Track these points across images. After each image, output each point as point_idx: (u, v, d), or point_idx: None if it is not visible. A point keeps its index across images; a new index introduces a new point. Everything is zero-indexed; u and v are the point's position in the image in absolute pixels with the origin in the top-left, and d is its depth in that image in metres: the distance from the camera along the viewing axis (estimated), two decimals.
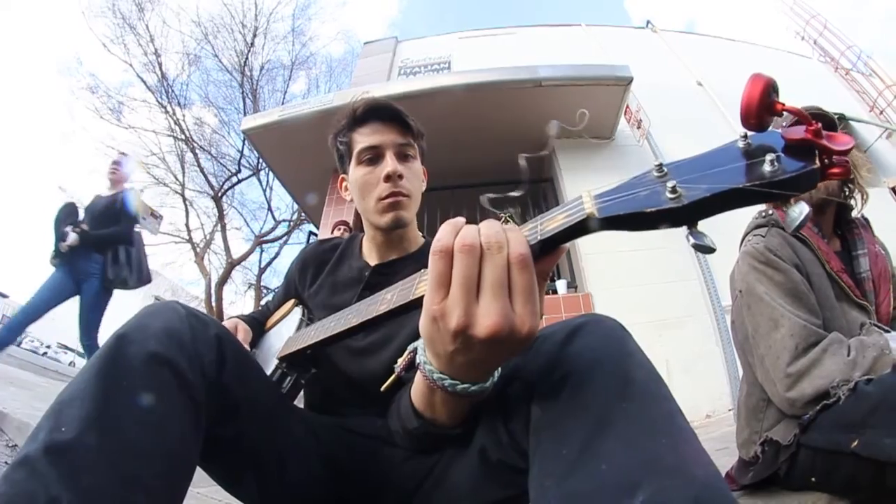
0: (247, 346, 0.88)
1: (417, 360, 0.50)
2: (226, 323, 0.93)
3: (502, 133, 4.87)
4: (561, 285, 4.12)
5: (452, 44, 6.90)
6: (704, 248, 0.36)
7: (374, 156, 0.93)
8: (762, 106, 0.37)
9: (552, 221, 0.43)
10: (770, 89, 0.37)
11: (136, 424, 0.48)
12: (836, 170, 0.35)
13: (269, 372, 0.84)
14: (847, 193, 1.27)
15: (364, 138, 0.94)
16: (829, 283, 1.15)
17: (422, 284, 0.51)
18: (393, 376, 0.57)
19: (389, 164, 0.91)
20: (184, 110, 10.30)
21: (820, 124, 0.34)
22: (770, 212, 1.27)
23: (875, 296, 1.19)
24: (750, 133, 0.37)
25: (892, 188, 4.34)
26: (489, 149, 4.97)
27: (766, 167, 0.34)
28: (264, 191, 10.79)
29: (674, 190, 0.35)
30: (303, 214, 8.23)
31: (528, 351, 0.52)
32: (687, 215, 0.35)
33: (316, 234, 6.28)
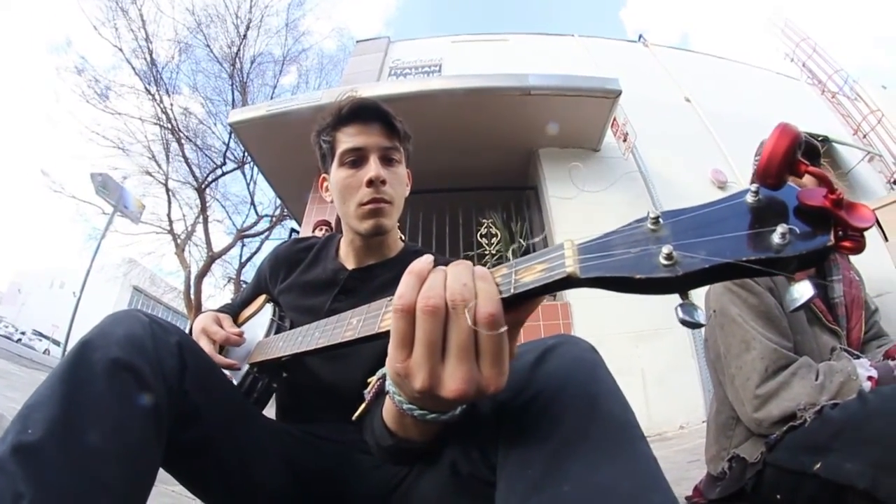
0: (235, 335, 0.88)
1: (386, 388, 0.48)
2: (203, 316, 0.93)
3: (490, 139, 4.89)
4: None
5: (445, 47, 6.88)
6: (693, 325, 0.33)
7: (357, 158, 0.90)
8: (785, 164, 0.32)
9: (529, 272, 0.39)
10: (797, 146, 0.33)
11: (98, 427, 0.49)
12: (848, 244, 0.31)
13: (242, 374, 0.84)
14: None
15: (348, 139, 0.91)
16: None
17: (387, 317, 0.49)
18: (363, 405, 0.56)
19: (373, 168, 0.88)
20: (171, 98, 10.12)
21: (842, 192, 0.31)
22: None
23: (847, 321, 1.21)
24: (762, 188, 0.33)
25: (871, 211, 4.32)
26: (476, 154, 4.97)
27: (776, 239, 0.30)
28: (248, 185, 10.67)
29: (669, 256, 0.32)
30: (285, 210, 8.14)
31: None
32: (680, 286, 0.32)
33: (297, 231, 6.21)
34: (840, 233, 0.31)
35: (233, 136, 8.16)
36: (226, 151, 10.17)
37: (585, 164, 4.94)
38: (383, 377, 0.51)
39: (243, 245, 10.89)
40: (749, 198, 0.33)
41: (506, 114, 4.70)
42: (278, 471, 0.72)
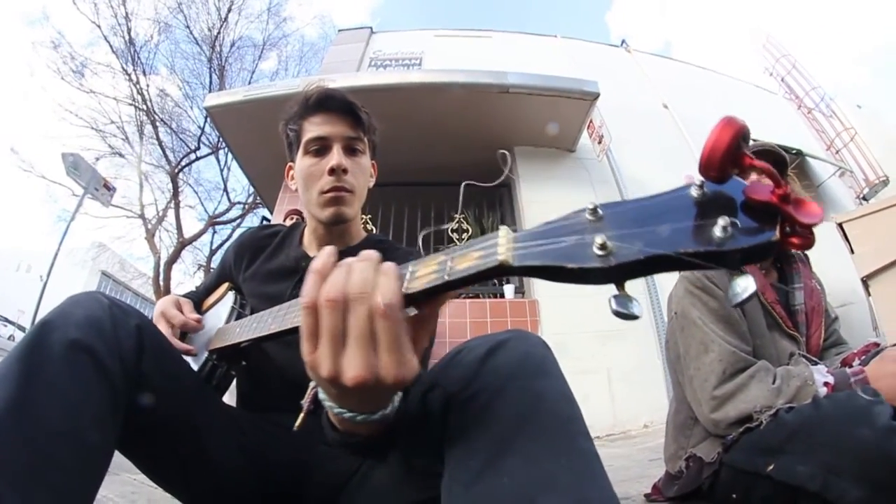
0: (194, 320, 0.89)
1: (320, 395, 0.48)
2: (165, 299, 0.93)
3: (466, 135, 4.85)
4: (508, 290, 4.12)
5: (426, 41, 6.81)
6: (627, 317, 0.32)
7: (321, 147, 0.92)
8: (728, 157, 0.31)
9: (464, 259, 0.38)
10: (741, 138, 0.31)
11: (53, 407, 0.50)
12: (796, 240, 0.30)
13: (201, 360, 0.84)
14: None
15: (313, 128, 0.92)
16: (762, 312, 1.18)
17: None
18: (302, 415, 0.56)
19: (335, 157, 0.90)
20: (148, 79, 9.89)
21: (790, 188, 0.30)
22: None
23: (807, 328, 1.23)
24: (707, 182, 0.32)
25: (839, 224, 4.44)
26: (451, 149, 4.92)
27: (717, 232, 0.29)
28: (222, 171, 10.51)
29: (603, 246, 0.31)
30: (258, 198, 7.99)
31: (452, 360, 0.54)
32: (613, 276, 0.31)
33: (269, 220, 6.10)
34: (787, 229, 0.30)
35: (208, 120, 7.98)
36: (200, 136, 10.01)
37: (561, 164, 4.95)
38: (317, 387, 0.51)
39: (214, 232, 10.78)
40: (693, 191, 0.32)
41: (483, 110, 4.67)
42: (236, 458, 0.73)
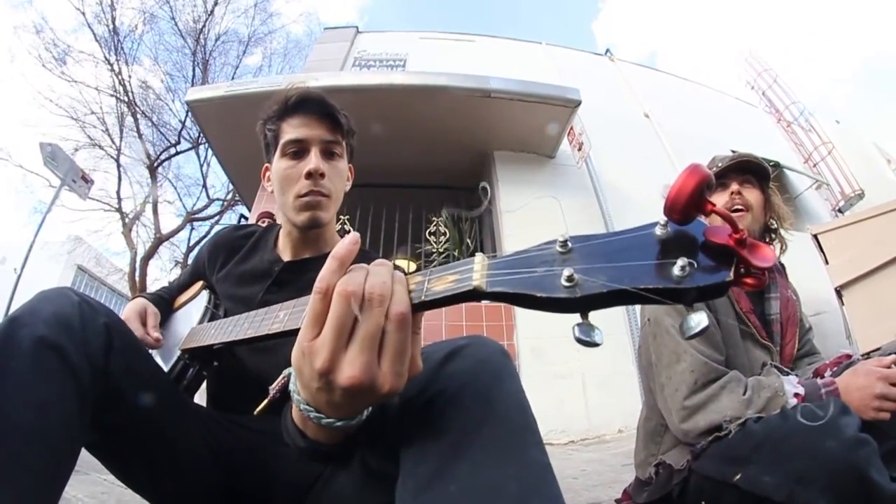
0: (155, 331, 0.89)
1: (290, 387, 0.47)
2: (133, 304, 0.92)
3: (447, 138, 4.85)
4: None
5: (412, 42, 6.79)
6: (588, 344, 0.34)
7: (298, 150, 0.91)
8: (691, 203, 0.33)
9: (441, 281, 0.40)
10: (704, 186, 0.34)
11: (21, 405, 0.50)
12: (750, 280, 0.33)
13: (173, 359, 0.84)
14: (768, 241, 1.32)
15: (292, 130, 0.92)
16: (736, 321, 1.19)
17: None
18: (266, 400, 0.55)
19: (313, 161, 0.89)
20: (130, 70, 9.69)
21: (745, 233, 0.32)
22: None
23: (781, 338, 1.23)
24: (670, 221, 0.34)
25: (814, 235, 4.53)
26: (432, 151, 4.91)
27: (676, 271, 0.31)
28: (201, 166, 10.36)
29: (570, 278, 0.33)
30: (237, 195, 7.89)
31: None
32: (578, 306, 0.34)
33: (247, 218, 6.02)
34: (742, 270, 0.32)
35: (189, 114, 7.87)
36: (181, 130, 9.86)
37: (540, 170, 4.96)
38: (288, 375, 0.50)
39: (192, 228, 10.60)
40: (658, 230, 0.34)
41: (465, 114, 4.66)
42: (203, 458, 0.72)
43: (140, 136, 9.68)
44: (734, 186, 1.27)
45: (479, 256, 0.39)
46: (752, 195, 1.28)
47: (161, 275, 11.01)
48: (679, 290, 0.31)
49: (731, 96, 8.99)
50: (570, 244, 0.36)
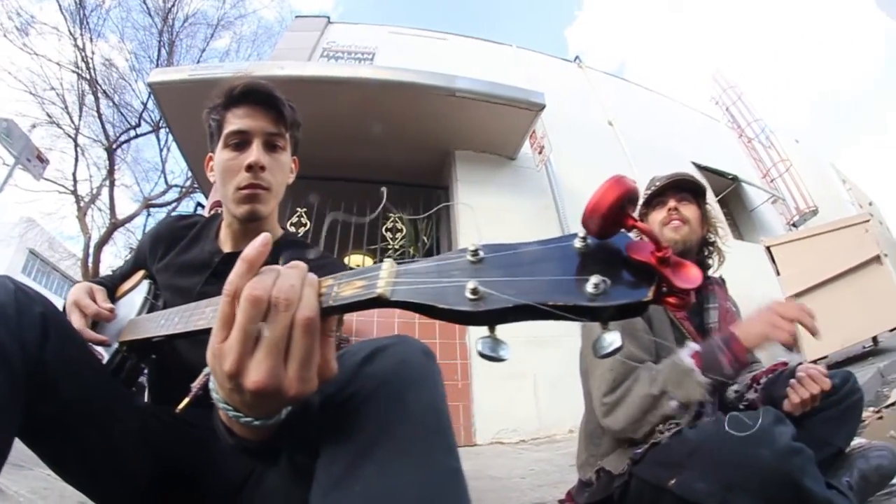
0: (106, 303, 0.89)
1: (209, 385, 0.46)
2: (80, 286, 0.91)
3: (409, 135, 4.81)
4: None
5: (382, 36, 6.72)
6: (492, 359, 0.32)
7: (241, 141, 0.90)
8: (610, 217, 0.31)
9: (349, 286, 0.39)
10: (626, 200, 0.32)
11: None
12: (672, 300, 0.31)
13: (111, 351, 0.83)
14: (706, 254, 1.36)
15: (235, 120, 0.90)
16: (670, 327, 1.22)
17: None
18: (188, 398, 0.54)
19: (253, 153, 0.88)
20: (94, 45, 9.27)
21: (670, 251, 0.30)
22: None
23: None
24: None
25: (768, 247, 4.71)
26: (393, 147, 4.87)
27: (589, 289, 0.29)
28: (161, 151, 10.01)
29: (475, 291, 0.31)
30: (195, 183, 7.67)
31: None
32: (481, 320, 0.32)
33: (203, 206, 5.86)
34: (664, 289, 0.30)
35: (152, 96, 7.63)
36: (142, 112, 9.51)
37: (500, 171, 4.97)
38: (209, 374, 0.49)
39: (149, 215, 10.12)
40: (577, 242, 0.32)
41: (429, 112, 4.64)
42: (140, 452, 0.72)
43: (100, 115, 9.30)
44: (671, 203, 1.31)
45: (387, 262, 0.39)
46: (689, 210, 1.31)
47: (115, 262, 10.63)
48: (592, 308, 0.29)
49: (696, 110, 9.24)
50: (481, 253, 0.34)
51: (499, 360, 0.32)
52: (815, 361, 3.97)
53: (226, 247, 0.96)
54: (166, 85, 4.39)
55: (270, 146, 0.92)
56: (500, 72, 5.73)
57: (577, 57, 7.90)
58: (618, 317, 0.30)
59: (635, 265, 0.31)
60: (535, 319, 0.31)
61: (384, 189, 4.19)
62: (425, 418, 0.48)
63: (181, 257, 0.97)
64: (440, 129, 4.80)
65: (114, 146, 9.30)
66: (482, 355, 0.32)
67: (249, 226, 0.93)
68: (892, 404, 2.38)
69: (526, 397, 3.71)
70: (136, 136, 9.69)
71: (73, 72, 9.18)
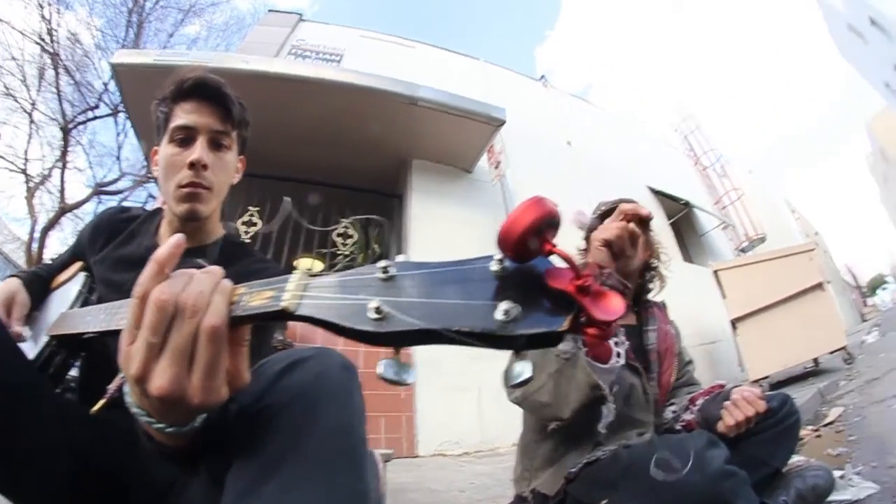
0: (18, 324, 0.85)
1: (125, 389, 0.45)
2: (3, 289, 0.89)
3: (368, 140, 4.79)
4: None
5: (352, 39, 6.72)
6: (393, 383, 0.31)
7: (186, 137, 0.88)
8: (525, 240, 0.30)
9: (259, 296, 0.38)
10: (545, 223, 0.30)
11: None
12: (592, 331, 0.29)
13: (41, 345, 0.81)
14: (647, 279, 1.37)
15: (182, 115, 0.88)
16: None
17: None
18: (103, 400, 0.53)
19: (197, 151, 0.87)
20: (61, 17, 8.89)
21: (591, 279, 0.29)
22: None
23: (658, 366, 1.28)
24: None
25: (715, 271, 4.90)
26: (351, 151, 4.86)
27: (499, 316, 0.28)
28: (118, 136, 9.58)
29: (378, 310, 0.30)
30: (150, 173, 7.47)
31: (255, 372, 0.49)
32: (383, 342, 0.31)
33: (155, 198, 5.73)
34: (584, 319, 0.29)
35: (114, 78, 7.40)
36: (103, 93, 9.15)
37: (455, 183, 5.03)
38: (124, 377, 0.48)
39: (99, 202, 9.73)
40: (493, 265, 0.31)
41: (389, 119, 4.64)
42: (61, 453, 0.69)
43: (59, 92, 8.91)
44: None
45: (297, 274, 0.38)
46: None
47: (61, 248, 10.16)
48: (501, 337, 0.28)
49: (655, 136, 9.55)
50: (392, 271, 0.33)
51: (401, 384, 0.31)
52: (758, 381, 4.16)
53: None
54: (129, 68, 4.29)
55: (216, 144, 0.90)
56: (465, 84, 5.80)
57: (542, 76, 8.08)
58: (531, 346, 0.29)
59: (553, 293, 0.29)
60: (442, 344, 0.30)
61: (287, 199, 4.20)
62: (336, 437, 0.47)
63: (118, 251, 0.95)
64: (399, 137, 4.82)
65: (70, 126, 8.93)
66: (382, 378, 0.31)
67: (190, 225, 0.91)
68: (831, 423, 2.47)
69: (470, 410, 3.73)
70: (94, 117, 9.31)
71: (37, 43, 8.78)
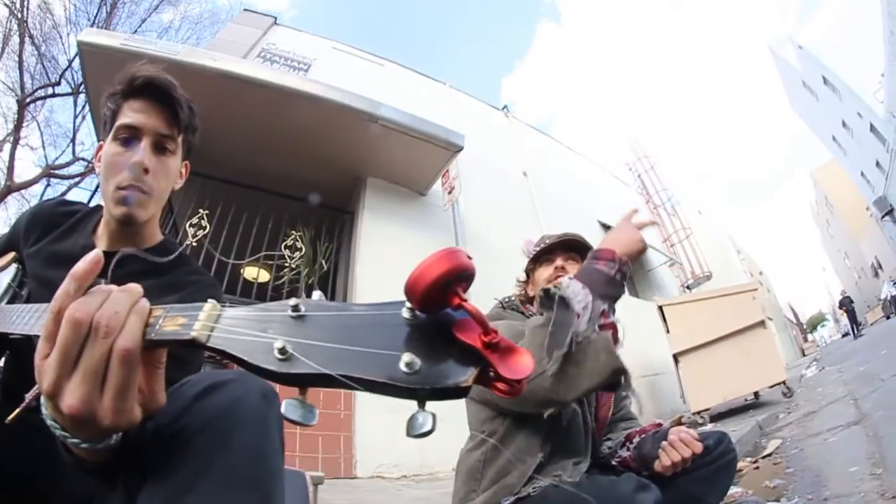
0: None
1: (42, 399, 0.44)
2: None
3: (326, 154, 4.84)
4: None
5: (322, 49, 6.76)
6: (294, 423, 0.31)
7: (130, 136, 0.85)
8: (432, 292, 0.29)
9: (173, 322, 0.38)
10: (454, 276, 0.29)
11: None
12: (501, 386, 0.29)
13: None
14: None
15: (130, 113, 0.85)
16: None
17: None
18: (19, 408, 0.51)
19: (139, 153, 0.84)
20: None
21: (498, 337, 0.29)
22: (511, 297, 1.40)
23: (596, 400, 1.29)
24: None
25: (660, 306, 5.11)
26: (306, 163, 4.88)
27: (402, 368, 0.28)
28: (75, 118, 9.34)
29: (283, 350, 0.30)
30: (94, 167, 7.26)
31: (174, 392, 0.50)
32: (288, 381, 0.31)
33: None
34: (492, 373, 0.29)
35: (79, 56, 7.19)
36: (65, 70, 8.92)
37: (408, 205, 5.12)
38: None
39: (48, 184, 9.40)
40: (405, 312, 0.31)
41: (348, 134, 4.68)
42: None
43: (21, 62, 8.60)
44: (559, 262, 1.34)
45: (210, 304, 0.37)
46: (575, 270, 1.29)
47: (3, 229, 9.73)
48: (404, 388, 0.28)
49: (609, 172, 9.91)
50: (302, 309, 0.33)
51: (304, 424, 0.31)
52: (699, 412, 4.40)
53: (101, 244, 0.90)
54: (96, 48, 4.18)
55: (160, 148, 0.88)
56: (429, 107, 5.90)
57: (505, 106, 8.29)
58: (435, 398, 0.28)
59: (461, 346, 0.29)
60: (352, 389, 0.29)
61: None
62: (249, 465, 0.47)
63: (53, 246, 0.91)
64: (357, 154, 4.86)
65: (27, 100, 8.63)
66: (284, 418, 0.31)
67: (126, 228, 0.89)
68: (769, 455, 2.58)
69: None
70: (54, 94, 9.06)
71: (6, 5, 8.42)
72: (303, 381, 0.31)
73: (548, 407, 1.01)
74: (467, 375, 0.28)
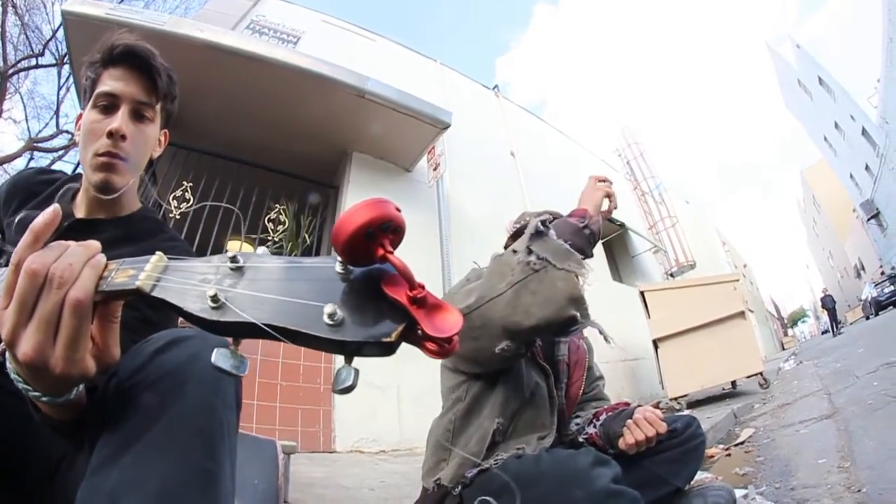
0: None
1: (7, 354, 0.45)
2: None
3: (310, 127, 4.81)
4: None
5: (313, 22, 6.65)
6: (223, 372, 0.30)
7: (108, 104, 0.86)
8: (354, 244, 0.29)
9: (123, 274, 0.38)
10: (378, 226, 0.29)
11: None
12: (430, 346, 0.29)
13: None
14: None
15: (109, 81, 0.86)
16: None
17: None
18: None
19: (117, 120, 0.85)
20: None
21: (425, 293, 0.29)
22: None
23: (567, 378, 1.32)
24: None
25: (642, 292, 5.16)
26: (292, 137, 4.85)
27: (324, 319, 0.27)
28: (59, 89, 9.20)
29: (215, 298, 0.30)
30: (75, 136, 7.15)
31: (136, 348, 0.52)
32: (220, 331, 0.31)
33: None
34: (420, 332, 0.29)
35: (63, 26, 7.04)
36: (49, 41, 8.73)
37: (394, 181, 5.11)
38: None
39: (31, 158, 9.29)
40: (338, 266, 0.30)
41: (335, 108, 4.65)
42: None
43: (3, 31, 8.44)
44: None
45: (156, 256, 0.38)
46: None
47: None
48: (329, 341, 0.28)
49: (598, 157, 9.92)
50: (240, 260, 0.34)
51: (234, 374, 0.31)
52: (676, 399, 4.50)
53: (79, 212, 0.91)
54: (81, 17, 4.04)
55: (138, 115, 0.89)
56: (418, 83, 5.86)
57: (496, 86, 8.25)
58: (360, 354, 0.28)
59: (388, 301, 0.29)
60: (275, 340, 0.29)
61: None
62: (197, 417, 0.48)
63: (32, 214, 0.89)
64: (343, 128, 4.83)
65: (10, 71, 8.48)
66: (214, 367, 0.30)
67: (104, 196, 0.89)
68: (741, 443, 2.62)
69: (389, 408, 3.72)
70: (38, 65, 8.91)
71: None
72: (233, 331, 0.31)
73: (503, 340, 0.99)
74: (391, 331, 0.28)
